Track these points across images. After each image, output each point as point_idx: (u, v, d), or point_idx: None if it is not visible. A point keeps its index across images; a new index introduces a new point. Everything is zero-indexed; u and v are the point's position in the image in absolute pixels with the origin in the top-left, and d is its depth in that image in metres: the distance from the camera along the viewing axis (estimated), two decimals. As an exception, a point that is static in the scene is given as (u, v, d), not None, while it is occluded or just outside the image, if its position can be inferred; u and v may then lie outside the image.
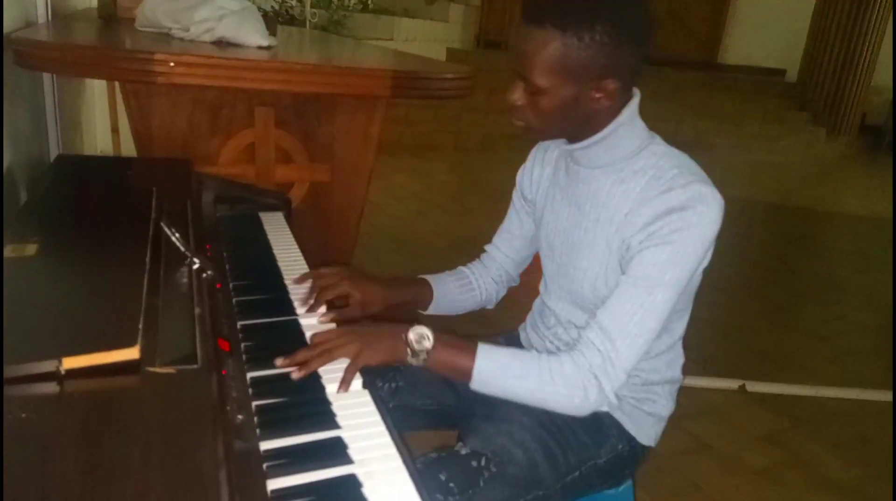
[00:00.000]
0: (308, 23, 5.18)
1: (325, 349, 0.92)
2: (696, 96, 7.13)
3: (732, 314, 3.14)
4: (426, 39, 7.16)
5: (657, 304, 0.95)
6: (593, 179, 1.05)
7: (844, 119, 7.82)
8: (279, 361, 0.90)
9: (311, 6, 6.05)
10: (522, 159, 1.25)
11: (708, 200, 0.95)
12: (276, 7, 5.86)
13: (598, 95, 0.95)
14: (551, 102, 0.95)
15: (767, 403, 2.43)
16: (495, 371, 0.96)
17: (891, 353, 2.88)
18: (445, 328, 1.00)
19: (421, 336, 0.95)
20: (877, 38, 7.43)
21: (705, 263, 1.00)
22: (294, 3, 6.37)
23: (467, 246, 1.34)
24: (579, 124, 1.00)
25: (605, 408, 0.98)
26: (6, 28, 1.48)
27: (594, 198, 1.04)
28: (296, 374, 0.89)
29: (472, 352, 0.97)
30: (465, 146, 6.07)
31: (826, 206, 5.77)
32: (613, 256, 1.02)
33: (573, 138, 1.04)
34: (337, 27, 6.36)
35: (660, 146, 1.02)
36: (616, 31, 0.90)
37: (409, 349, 0.95)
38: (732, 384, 2.49)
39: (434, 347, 0.96)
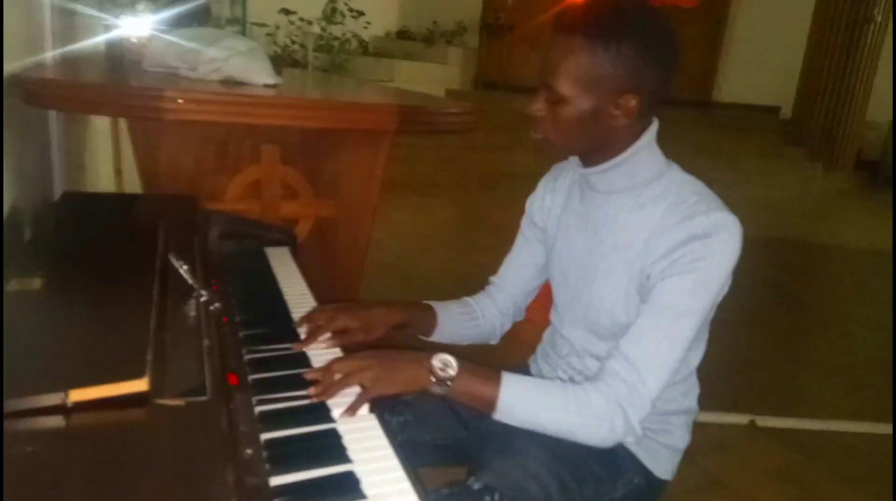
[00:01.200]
0: (310, 66, 5.27)
1: (343, 374, 0.91)
2: (692, 134, 7.20)
3: (739, 349, 3.11)
4: (425, 81, 7.27)
5: (682, 333, 0.94)
6: (610, 204, 1.05)
7: (840, 154, 7.88)
8: (310, 391, 0.90)
9: (314, 50, 6.17)
10: (523, 197, 1.25)
11: (730, 227, 0.95)
12: (279, 52, 5.98)
13: (616, 112, 0.96)
14: (571, 112, 0.96)
15: (778, 438, 2.39)
16: (521, 401, 0.94)
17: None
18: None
19: (445, 364, 0.94)
20: (869, 73, 7.54)
21: (724, 292, 0.99)
22: (297, 47, 6.50)
23: (470, 282, 1.33)
24: (597, 143, 1.00)
25: (630, 439, 0.96)
26: (14, 68, 1.50)
27: (611, 223, 1.04)
28: (312, 393, 0.89)
29: (497, 381, 0.95)
30: (466, 184, 6.11)
31: (826, 240, 5.77)
32: (633, 282, 1.01)
33: (590, 160, 1.04)
34: (338, 70, 6.47)
35: (678, 173, 1.02)
36: (643, 48, 0.92)
37: (432, 377, 0.93)
38: (742, 418, 2.45)
39: (458, 374, 0.94)
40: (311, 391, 0.90)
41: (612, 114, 0.96)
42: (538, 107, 0.99)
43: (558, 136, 0.99)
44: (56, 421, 0.64)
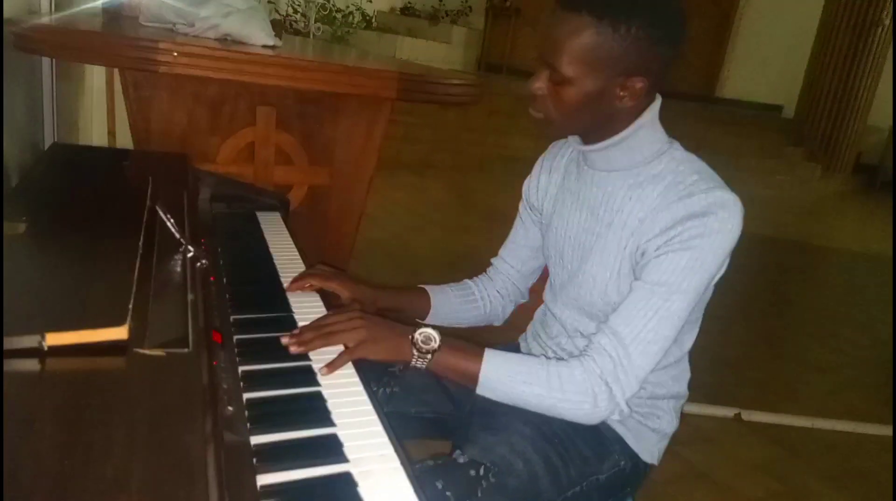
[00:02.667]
0: (312, 36, 5.20)
1: (329, 331, 0.90)
2: (693, 128, 7.16)
3: (728, 343, 3.11)
4: (428, 60, 7.20)
5: (673, 311, 0.92)
6: (608, 182, 1.02)
7: (840, 157, 7.89)
8: (284, 339, 0.89)
9: (315, 20, 6.09)
10: (519, 181, 1.23)
11: (729, 206, 0.92)
12: (281, 20, 5.89)
13: (622, 93, 0.92)
14: (575, 93, 0.92)
15: (763, 432, 2.39)
16: (503, 376, 0.93)
17: (889, 387, 2.85)
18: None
19: (428, 337, 0.92)
20: (873, 78, 7.53)
21: (721, 273, 0.97)
22: (298, 17, 6.41)
23: (462, 263, 1.32)
24: (599, 122, 0.97)
25: (615, 417, 0.94)
26: (8, 13, 1.45)
27: (608, 202, 1.01)
28: (293, 348, 0.87)
29: (479, 356, 0.93)
30: (462, 166, 6.07)
31: (821, 241, 5.78)
32: (626, 261, 0.98)
33: (590, 138, 1.01)
34: (340, 42, 6.40)
35: (679, 152, 1.00)
36: (653, 28, 0.88)
37: (414, 350, 0.92)
38: (728, 412, 2.45)
39: (440, 348, 0.92)
40: (289, 340, 0.88)
41: (617, 95, 0.93)
42: (539, 85, 0.95)
43: (560, 115, 0.96)
44: (31, 365, 0.62)
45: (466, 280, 1.28)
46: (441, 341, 0.93)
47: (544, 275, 1.20)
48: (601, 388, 0.91)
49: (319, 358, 0.89)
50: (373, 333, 0.92)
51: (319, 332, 0.90)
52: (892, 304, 3.87)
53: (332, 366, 0.86)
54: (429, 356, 0.92)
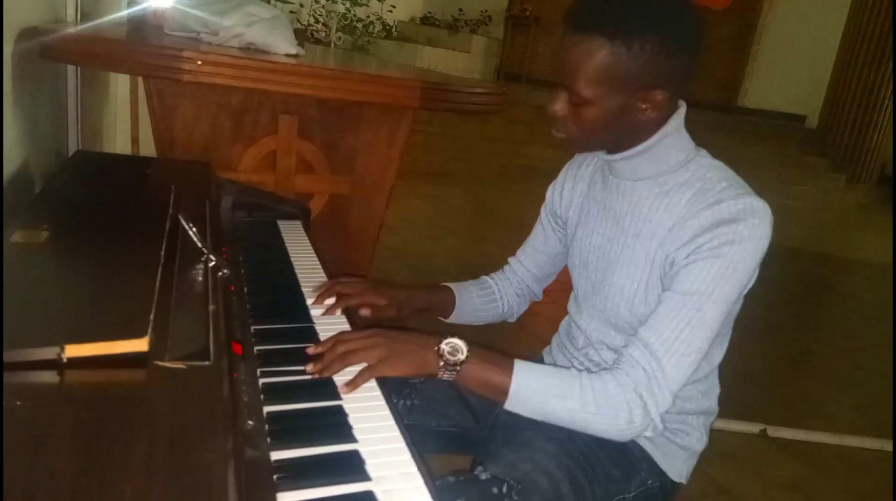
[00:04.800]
0: (333, 45, 5.23)
1: (348, 350, 0.87)
2: (714, 138, 7.07)
3: (753, 358, 3.05)
4: (447, 69, 7.22)
5: (705, 321, 0.89)
6: (634, 192, 1.00)
7: (864, 168, 7.77)
8: (307, 367, 0.86)
9: (337, 30, 6.13)
10: (538, 191, 1.22)
11: (760, 212, 0.89)
12: (302, 30, 5.93)
13: (645, 107, 0.91)
14: (596, 113, 0.90)
15: (789, 449, 2.33)
16: (534, 389, 0.89)
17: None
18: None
19: (455, 348, 0.89)
20: (899, 88, 7.41)
21: (751, 284, 0.94)
22: (320, 26, 6.46)
23: (480, 272, 1.30)
24: (623, 136, 0.95)
25: (648, 432, 0.91)
26: (34, 22, 1.46)
27: (635, 212, 0.99)
28: (315, 375, 0.85)
29: (509, 368, 0.90)
30: (481, 175, 6.06)
31: (845, 253, 5.68)
32: (655, 272, 0.96)
33: (615, 149, 0.99)
34: (361, 52, 6.43)
35: (706, 159, 0.97)
36: (667, 40, 0.86)
37: (441, 361, 0.89)
38: (753, 427, 2.40)
39: (468, 359, 0.89)
40: (310, 368, 0.86)
41: (639, 108, 0.91)
42: (559, 107, 0.93)
43: (583, 135, 0.94)
44: (49, 377, 0.61)
45: (485, 277, 1.27)
46: (469, 351, 0.90)
47: (568, 286, 1.18)
48: (636, 402, 0.88)
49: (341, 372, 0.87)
50: (393, 349, 0.89)
51: (337, 353, 0.87)
52: (892, 315, 3.77)
53: (352, 385, 0.84)
54: (457, 368, 0.89)
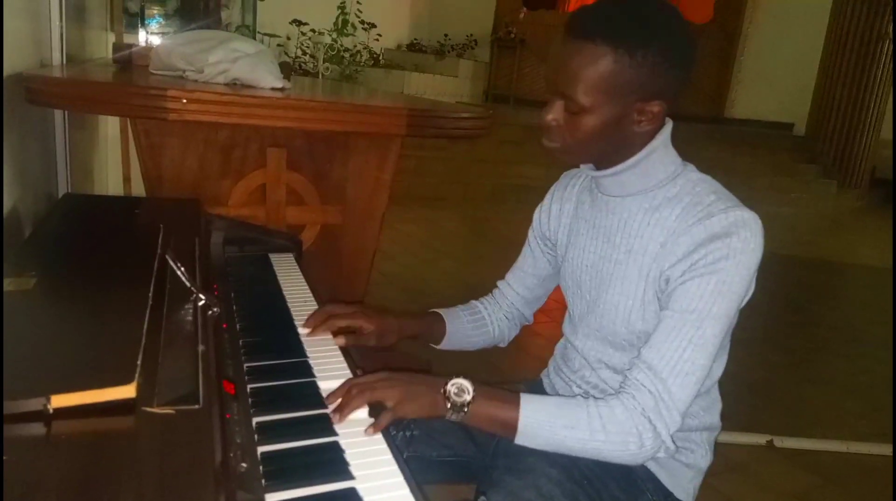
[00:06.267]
0: (321, 76, 5.26)
1: (368, 387, 0.86)
2: (704, 150, 7.14)
3: (755, 368, 3.04)
4: (436, 94, 7.28)
5: (706, 338, 0.88)
6: (623, 208, 0.99)
7: (854, 172, 7.81)
8: (332, 415, 0.85)
9: (324, 61, 6.18)
10: (531, 210, 1.21)
11: (751, 224, 0.89)
12: (290, 63, 5.98)
13: (640, 118, 0.91)
14: (593, 122, 0.90)
15: (797, 459, 2.31)
16: (543, 422, 0.88)
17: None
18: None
19: (461, 389, 0.88)
20: (884, 91, 7.49)
21: (748, 296, 0.94)
22: (307, 58, 6.51)
23: (476, 294, 1.30)
24: (614, 148, 0.95)
25: (661, 454, 0.89)
26: (20, 67, 1.47)
27: (625, 228, 0.99)
28: (337, 418, 0.83)
29: (516, 403, 0.89)
30: (473, 197, 6.08)
31: (841, 258, 5.69)
32: (650, 287, 0.95)
33: (602, 164, 0.99)
34: (349, 81, 6.48)
35: (694, 173, 0.98)
36: (669, 52, 0.88)
37: (448, 403, 0.88)
38: (760, 439, 2.37)
39: (475, 399, 0.88)
40: (333, 413, 0.85)
41: (635, 120, 0.92)
42: (554, 116, 0.93)
43: (576, 144, 0.94)
44: (36, 429, 0.59)
45: (474, 302, 1.26)
46: (475, 390, 0.88)
47: (562, 307, 1.17)
48: (645, 426, 0.87)
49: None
50: (409, 390, 0.88)
51: (357, 391, 0.86)
52: (892, 317, 3.77)
53: (377, 427, 0.82)
54: (465, 409, 0.88)
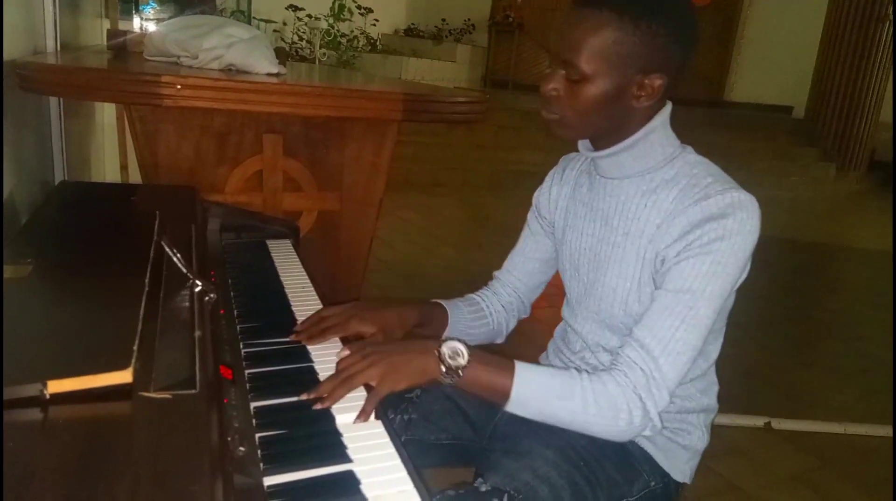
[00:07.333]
0: (318, 62, 5.24)
1: (348, 375, 0.85)
2: (704, 134, 7.13)
3: (753, 351, 3.05)
4: (434, 79, 7.24)
5: (699, 318, 0.89)
6: (621, 190, 0.99)
7: (854, 155, 7.79)
8: (304, 396, 0.84)
9: (321, 47, 6.14)
10: (530, 196, 1.20)
11: (747, 206, 0.89)
12: (287, 48, 5.95)
13: (640, 93, 0.91)
14: (593, 91, 0.90)
15: (794, 441, 2.32)
16: (536, 391, 0.89)
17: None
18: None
19: (455, 352, 0.88)
20: (883, 74, 7.45)
21: (743, 277, 0.94)
22: (304, 43, 6.47)
23: (476, 281, 1.28)
24: (613, 123, 0.95)
25: (647, 432, 0.90)
26: (14, 55, 1.46)
27: (622, 210, 0.99)
28: (318, 405, 0.83)
29: (510, 370, 0.89)
30: (472, 183, 6.07)
31: (839, 241, 5.69)
32: (646, 269, 0.95)
33: (600, 143, 0.99)
34: (346, 67, 6.44)
35: (692, 156, 0.98)
36: (673, 26, 0.88)
37: (442, 366, 0.87)
38: (758, 421, 2.39)
39: (469, 363, 0.88)
40: (311, 398, 0.84)
41: (634, 94, 0.91)
42: (554, 86, 0.93)
43: (576, 116, 0.94)
44: (32, 414, 0.60)
45: (471, 295, 1.24)
46: (470, 354, 0.88)
47: (562, 292, 1.17)
48: (635, 403, 0.87)
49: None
50: (392, 363, 0.87)
51: (338, 380, 0.85)
52: (892, 302, 3.78)
53: (364, 414, 0.82)
54: (459, 372, 0.88)
